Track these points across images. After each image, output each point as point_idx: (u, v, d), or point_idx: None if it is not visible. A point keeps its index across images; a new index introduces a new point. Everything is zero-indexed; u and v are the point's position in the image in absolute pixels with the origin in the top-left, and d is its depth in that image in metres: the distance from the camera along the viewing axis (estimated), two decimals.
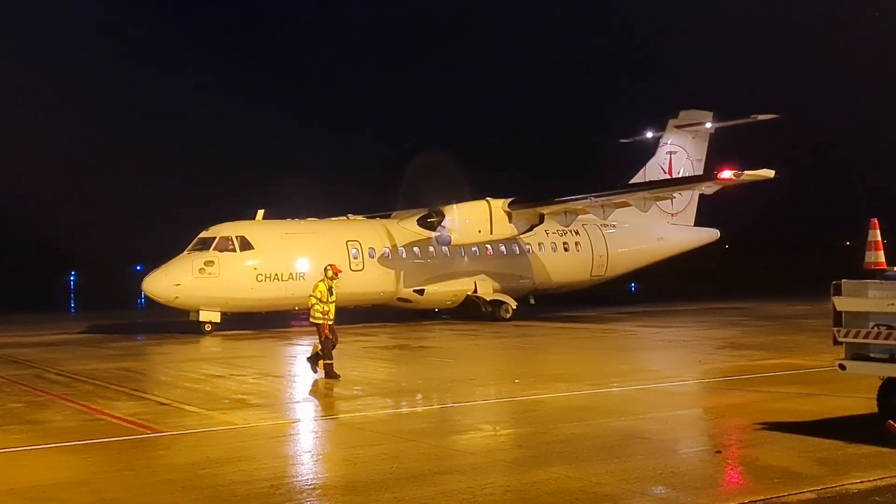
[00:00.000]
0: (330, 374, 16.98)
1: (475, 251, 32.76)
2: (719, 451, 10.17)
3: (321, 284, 17.59)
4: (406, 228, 32.04)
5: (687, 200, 38.36)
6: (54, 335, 29.06)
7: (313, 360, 17.67)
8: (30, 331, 30.86)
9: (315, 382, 16.99)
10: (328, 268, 17.81)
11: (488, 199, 31.32)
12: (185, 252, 28.74)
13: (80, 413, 13.48)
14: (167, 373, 18.88)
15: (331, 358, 17.18)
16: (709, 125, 38.83)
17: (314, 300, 17.48)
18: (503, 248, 33.43)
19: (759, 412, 12.18)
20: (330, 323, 17.38)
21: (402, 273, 31.35)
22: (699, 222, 39.62)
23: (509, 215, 31.30)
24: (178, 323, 29.51)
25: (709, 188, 31.95)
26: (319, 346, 17.40)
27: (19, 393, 15.81)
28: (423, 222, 31.76)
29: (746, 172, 27.82)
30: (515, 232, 31.93)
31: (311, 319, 17.83)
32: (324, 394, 15.54)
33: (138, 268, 55.04)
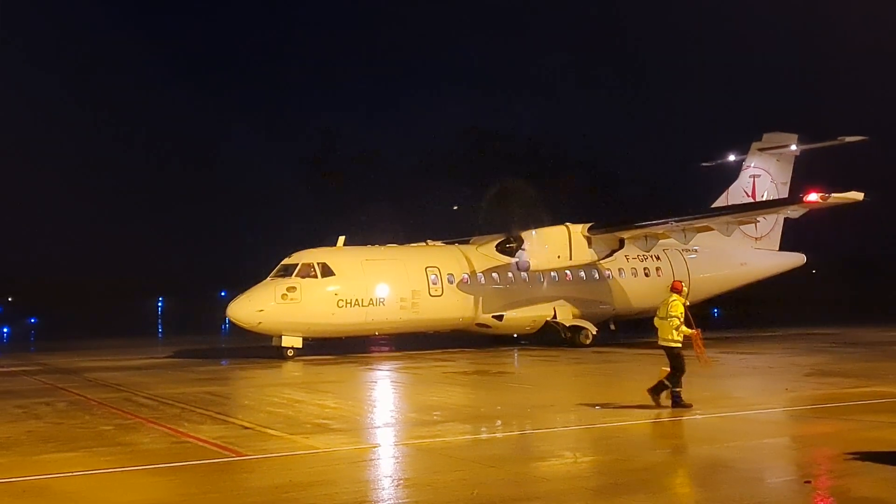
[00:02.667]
0: (680, 403, 15.31)
1: (554, 276, 32.60)
2: (808, 482, 9.86)
3: (678, 303, 15.57)
4: (485, 254, 32.09)
5: (771, 224, 37.60)
6: (142, 360, 29.86)
7: (657, 389, 15.66)
8: (119, 355, 31.76)
9: (394, 407, 17.06)
10: (676, 283, 16.16)
11: (567, 224, 31.19)
12: (269, 278, 29.28)
13: (168, 436, 13.79)
14: (250, 397, 19.19)
15: (680, 385, 15.43)
16: (794, 147, 38.07)
17: (676, 321, 15.43)
18: (583, 273, 33.20)
19: (850, 441, 11.79)
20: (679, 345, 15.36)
21: (480, 299, 31.37)
22: (785, 246, 38.74)
23: (589, 240, 31.10)
24: (260, 348, 30.03)
25: (794, 212, 31.27)
26: (666, 373, 15.52)
27: (109, 416, 16.25)
28: (501, 248, 31.79)
29: (834, 195, 27.16)
30: (595, 257, 31.68)
31: (666, 343, 15.69)
32: (403, 419, 15.59)
33: (223, 293, 56.29)
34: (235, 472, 11.26)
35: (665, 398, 15.46)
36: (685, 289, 16.01)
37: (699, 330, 15.83)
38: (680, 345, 15.53)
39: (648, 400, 15.72)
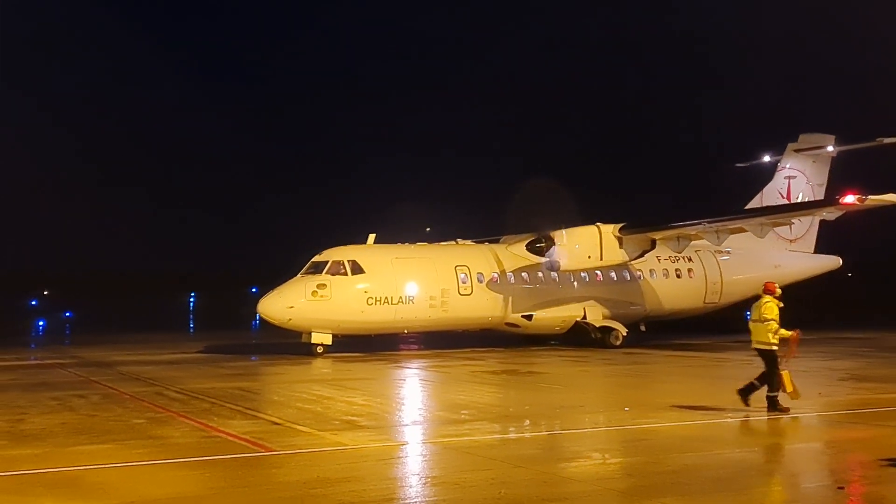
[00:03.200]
0: (777, 407, 14.80)
1: (585, 277, 32.44)
2: (842, 487, 9.72)
3: (772, 305, 15.16)
4: (515, 253, 32.00)
5: (807, 226, 37.15)
6: (174, 354, 30.12)
7: (747, 391, 15.22)
8: (152, 350, 32.06)
9: (422, 405, 17.06)
10: (769, 284, 15.77)
11: (598, 224, 31.01)
12: (299, 275, 29.41)
13: (198, 430, 13.89)
14: (280, 393, 19.29)
15: (777, 390, 14.86)
16: (830, 149, 37.56)
17: (773, 324, 14.98)
18: (613, 274, 33.00)
19: (885, 448, 11.62)
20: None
21: (510, 298, 31.30)
22: (820, 249, 38.25)
23: (620, 241, 30.89)
24: (290, 344, 30.17)
25: (830, 214, 30.87)
26: (760, 376, 15.01)
27: (142, 409, 16.41)
28: (532, 247, 31.66)
29: (871, 197, 26.78)
30: (626, 258, 31.47)
31: (761, 346, 15.18)
32: (432, 417, 15.59)
33: (253, 290, 56.64)
34: (264, 466, 11.32)
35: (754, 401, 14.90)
36: (778, 290, 15.55)
37: (798, 331, 15.37)
38: (776, 347, 15.09)
39: (682, 399, 15.54)
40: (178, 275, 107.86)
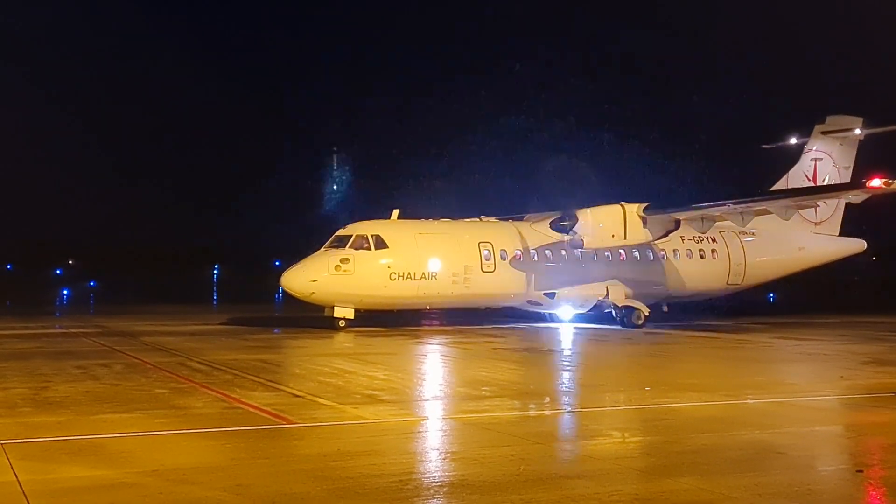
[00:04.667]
0: None
1: (608, 256, 32.36)
2: (861, 471, 9.69)
3: None
4: (538, 231, 31.96)
5: (832, 209, 36.83)
6: (197, 326, 30.41)
7: None
8: (175, 321, 32.37)
9: (443, 381, 17.15)
10: None
11: (623, 203, 30.88)
12: (322, 249, 29.52)
13: (220, 401, 14.03)
14: (301, 366, 19.43)
15: None
16: (858, 131, 37.16)
17: None
18: (636, 253, 32.90)
19: None
20: None
21: (533, 276, 31.29)
22: (845, 232, 37.94)
23: (644, 220, 30.76)
24: (313, 318, 30.35)
25: (856, 197, 30.61)
26: None
27: (164, 379, 16.58)
28: (555, 226, 31.59)
29: None
30: (650, 237, 31.35)
31: None
32: (452, 393, 15.66)
33: (277, 263, 56.98)
34: (285, 438, 11.44)
35: None
36: None
37: None
38: None
39: (702, 379, 15.49)
40: (201, 248, 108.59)
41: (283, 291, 30.46)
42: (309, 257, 29.41)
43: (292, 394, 14.87)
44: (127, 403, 13.67)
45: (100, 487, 8.62)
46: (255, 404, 13.61)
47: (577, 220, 30.76)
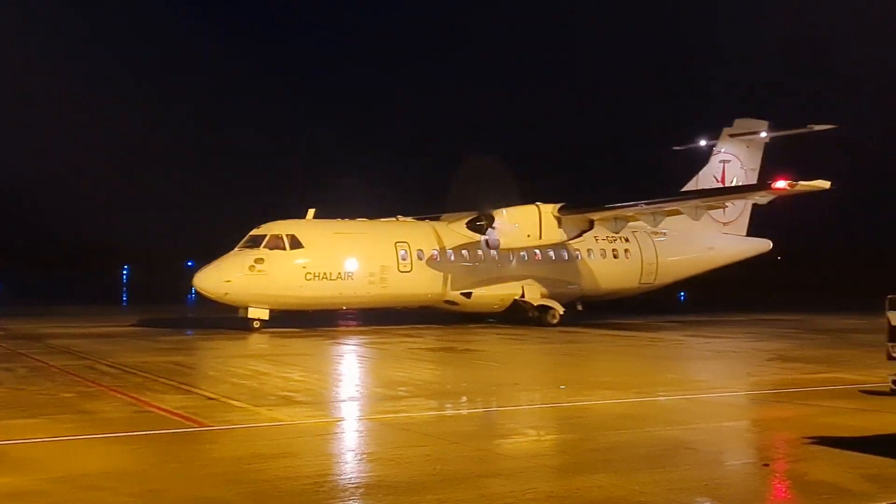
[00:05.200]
0: None
1: (524, 256, 32.67)
2: (767, 465, 10.00)
3: None
4: (455, 231, 32.07)
5: (740, 210, 37.90)
6: (106, 328, 29.60)
7: None
8: (83, 323, 31.45)
9: (360, 381, 17.07)
10: None
11: (538, 203, 31.23)
12: (237, 249, 29.08)
13: (130, 405, 13.70)
14: (215, 368, 19.11)
15: None
16: (764, 134, 38.34)
17: None
18: (552, 253, 33.30)
19: (809, 426, 11.96)
20: None
21: (449, 276, 31.39)
22: (752, 232, 39.09)
23: (559, 220, 31.17)
24: (227, 319, 29.87)
25: (762, 198, 31.53)
26: None
27: (71, 383, 16.11)
28: (472, 225, 31.76)
29: (801, 183, 27.41)
30: (565, 237, 31.78)
31: None
32: (369, 394, 15.60)
33: (190, 263, 55.91)
34: (198, 442, 11.23)
35: None
36: None
37: None
38: None
39: (615, 377, 15.77)
40: (110, 247, 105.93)
41: (196, 292, 29.88)
42: (222, 257, 28.93)
43: (205, 396, 14.61)
44: (31, 408, 13.24)
45: (3, 496, 8.32)
46: (167, 407, 13.33)
47: (494, 220, 30.99)
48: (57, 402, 13.84)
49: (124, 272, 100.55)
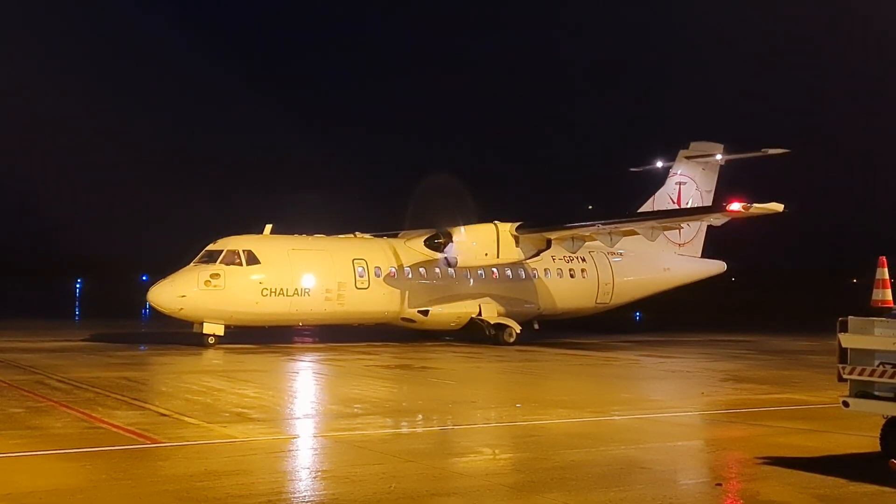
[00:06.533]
0: None
1: (481, 274, 32.74)
2: (719, 484, 10.10)
3: None
4: (413, 249, 32.06)
5: (695, 231, 38.36)
6: (57, 342, 29.09)
7: None
8: (33, 337, 30.90)
9: (315, 398, 16.95)
10: None
11: (496, 222, 31.35)
12: (192, 264, 28.78)
13: (80, 421, 13.47)
14: (168, 384, 18.85)
15: None
16: (719, 157, 38.90)
17: None
18: (509, 272, 33.42)
19: (761, 446, 12.11)
20: None
21: (407, 293, 31.34)
22: (707, 254, 39.57)
23: (516, 239, 31.30)
24: (181, 334, 29.53)
25: (717, 220, 31.92)
26: None
27: (20, 398, 15.80)
28: (430, 243, 31.77)
29: (755, 205, 27.77)
30: (522, 256, 31.92)
31: None
32: (324, 411, 15.50)
33: (144, 277, 55.24)
34: (149, 459, 11.05)
35: None
36: None
37: None
38: None
39: (571, 396, 15.84)
40: (64, 259, 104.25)
41: (150, 307, 29.52)
42: (177, 272, 28.61)
43: (158, 412, 14.41)
44: None
45: None
46: (118, 424, 13.12)
47: (452, 237, 31.05)
48: (5, 418, 13.56)
49: (77, 285, 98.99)
